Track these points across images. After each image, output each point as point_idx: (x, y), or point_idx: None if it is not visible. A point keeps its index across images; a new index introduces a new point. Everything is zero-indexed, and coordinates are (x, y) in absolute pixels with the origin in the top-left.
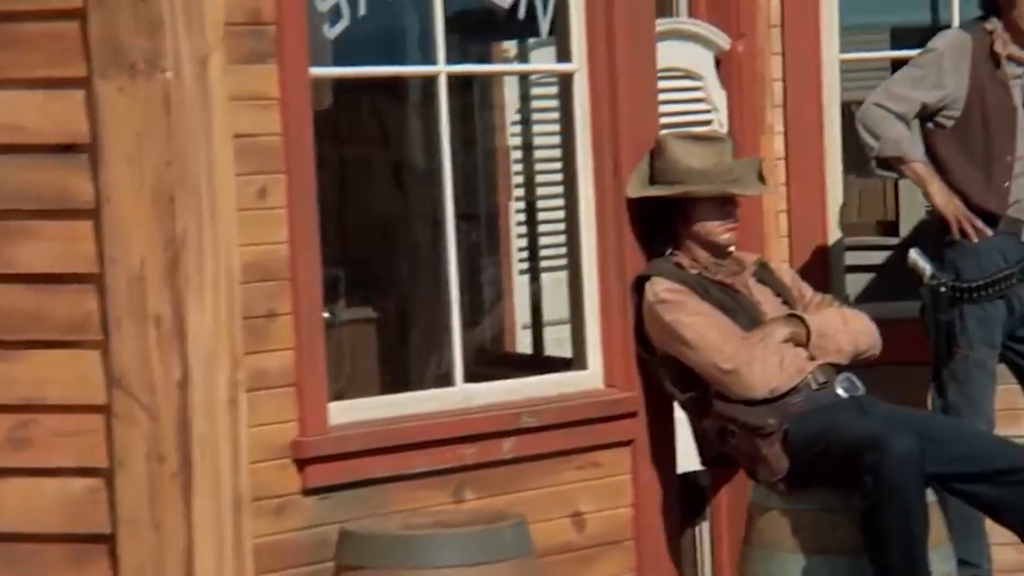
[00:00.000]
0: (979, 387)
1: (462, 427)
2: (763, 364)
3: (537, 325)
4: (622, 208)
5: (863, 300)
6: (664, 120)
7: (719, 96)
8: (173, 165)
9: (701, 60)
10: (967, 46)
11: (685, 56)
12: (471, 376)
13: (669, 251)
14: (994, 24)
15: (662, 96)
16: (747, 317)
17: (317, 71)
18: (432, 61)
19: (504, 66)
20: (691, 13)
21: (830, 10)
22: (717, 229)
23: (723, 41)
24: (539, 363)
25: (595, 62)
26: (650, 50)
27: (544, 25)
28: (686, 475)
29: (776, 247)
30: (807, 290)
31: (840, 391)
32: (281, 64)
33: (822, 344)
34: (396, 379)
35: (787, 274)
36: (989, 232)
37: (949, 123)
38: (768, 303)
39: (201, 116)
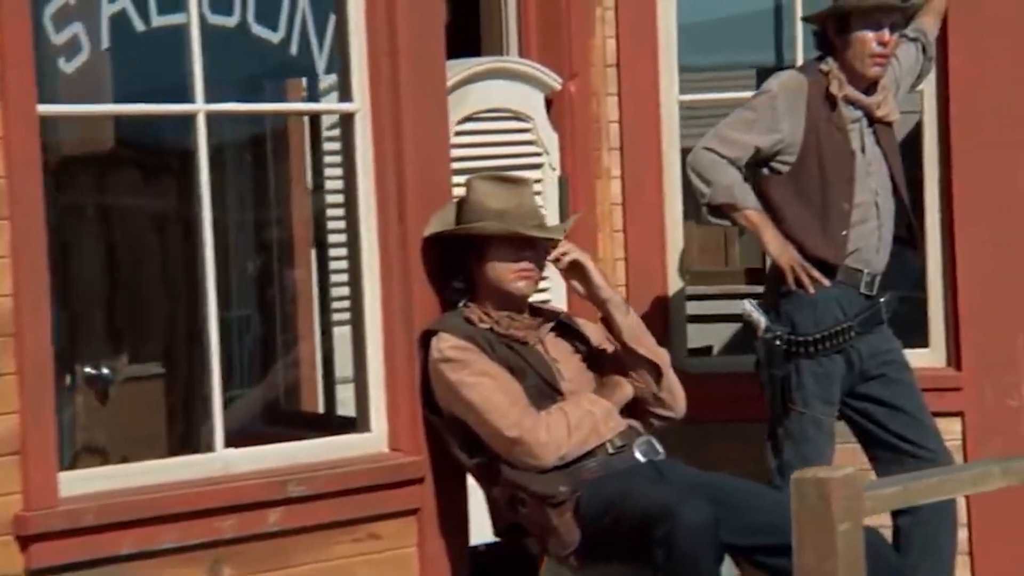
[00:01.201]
0: (815, 447)
1: (219, 497)
2: (549, 431)
3: (329, 382)
4: (410, 257)
5: (728, 351)
6: (491, 163)
7: (550, 138)
8: None
9: (530, 100)
10: (803, 88)
11: (512, 96)
12: (254, 439)
13: (463, 303)
14: (830, 65)
15: (488, 138)
16: (537, 376)
17: (47, 109)
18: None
19: (273, 105)
20: (522, 51)
21: (668, 50)
22: (509, 275)
23: (554, 81)
24: (329, 425)
25: (378, 102)
26: (440, 90)
27: (320, 63)
28: (517, 543)
29: None
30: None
31: (638, 455)
32: (3, 100)
33: (640, 334)
34: (160, 443)
35: (593, 330)
36: (826, 282)
37: (784, 168)
38: (566, 361)
39: None
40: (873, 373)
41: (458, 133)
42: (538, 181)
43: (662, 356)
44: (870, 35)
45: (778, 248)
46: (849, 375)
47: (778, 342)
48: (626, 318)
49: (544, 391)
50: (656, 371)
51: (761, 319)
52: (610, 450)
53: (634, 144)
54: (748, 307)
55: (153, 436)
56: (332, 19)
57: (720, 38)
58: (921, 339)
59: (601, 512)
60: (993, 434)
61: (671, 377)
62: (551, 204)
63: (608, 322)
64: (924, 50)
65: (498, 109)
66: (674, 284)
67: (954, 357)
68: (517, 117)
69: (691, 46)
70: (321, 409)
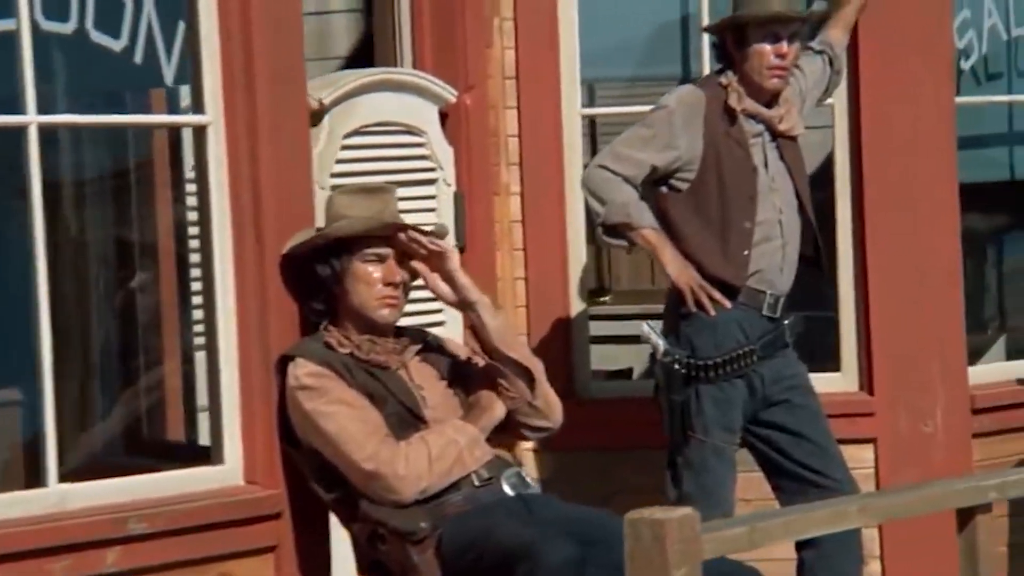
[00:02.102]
0: (716, 477)
1: (50, 535)
2: (408, 463)
3: (190, 410)
4: (267, 277)
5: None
6: (381, 179)
7: (444, 153)
8: None
9: (423, 113)
10: (701, 102)
11: (404, 109)
12: (99, 472)
13: (324, 326)
14: (729, 78)
15: (378, 152)
16: (398, 404)
17: None
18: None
19: (116, 117)
20: (416, 62)
21: (570, 61)
22: (372, 302)
23: (448, 93)
24: (187, 456)
25: (232, 114)
26: (300, 102)
27: (169, 72)
28: None
29: (512, 318)
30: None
31: (506, 488)
32: None
33: (511, 339)
34: (8, 477)
35: (462, 350)
36: (727, 304)
37: (683, 186)
38: (431, 387)
39: None
40: (776, 399)
41: (345, 147)
42: (432, 197)
43: (535, 363)
44: (768, 47)
45: (677, 268)
46: (751, 401)
47: (677, 366)
48: (495, 320)
49: (406, 419)
50: (529, 377)
51: (660, 342)
52: (476, 483)
53: (534, 159)
54: (646, 329)
55: (3, 469)
56: (181, 26)
57: (628, 49)
58: (832, 362)
59: (463, 549)
60: (907, 462)
61: (545, 385)
62: (446, 221)
63: (477, 329)
64: (831, 63)
65: (389, 122)
66: (576, 304)
67: (866, 381)
68: (409, 131)
69: (598, 57)
70: (181, 439)
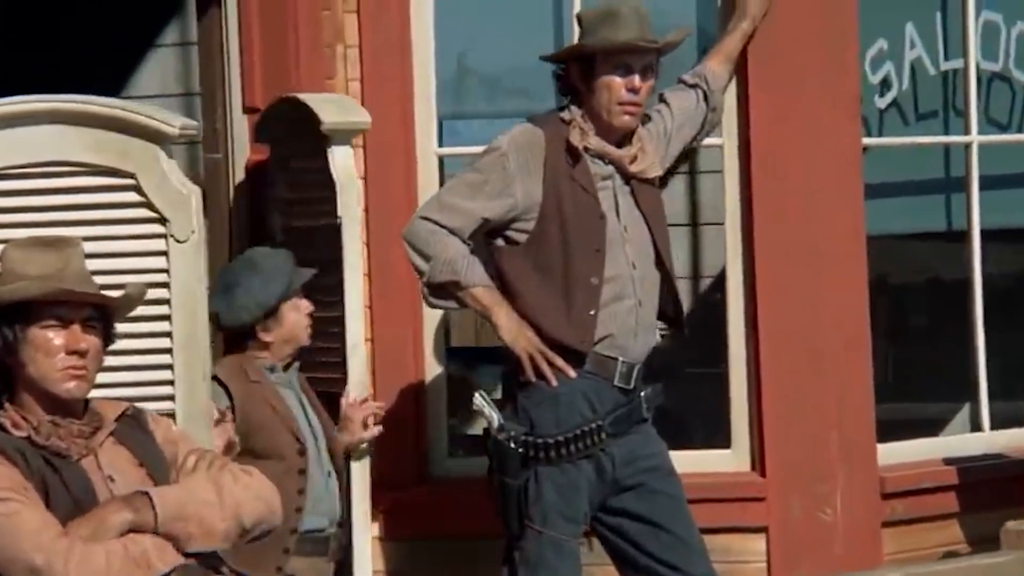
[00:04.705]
0: (556, 575)
1: None
2: (79, 565)
3: None
4: None
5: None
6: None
7: (176, 197)
8: None
9: (127, 152)
10: (539, 142)
11: (91, 147)
12: None
13: (2, 404)
14: (573, 113)
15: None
16: (72, 504)
17: None
18: None
19: None
20: (245, 95)
21: (425, 94)
22: (54, 374)
23: (169, 127)
24: None
25: None
26: None
27: None
28: None
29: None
30: (185, 449)
31: None
32: None
33: (179, 530)
34: None
35: (164, 429)
36: (572, 373)
37: (522, 237)
38: (124, 476)
39: None
40: (629, 483)
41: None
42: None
43: (221, 534)
44: (618, 80)
45: (512, 332)
46: (600, 485)
47: (513, 444)
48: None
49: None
50: None
51: (494, 415)
52: None
53: (384, 204)
54: (479, 400)
55: None
56: None
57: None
58: (721, 438)
59: None
60: (803, 555)
61: (244, 525)
62: None
63: None
64: (706, 99)
65: (60, 162)
66: (432, 369)
67: (759, 460)
68: (102, 172)
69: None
70: None
